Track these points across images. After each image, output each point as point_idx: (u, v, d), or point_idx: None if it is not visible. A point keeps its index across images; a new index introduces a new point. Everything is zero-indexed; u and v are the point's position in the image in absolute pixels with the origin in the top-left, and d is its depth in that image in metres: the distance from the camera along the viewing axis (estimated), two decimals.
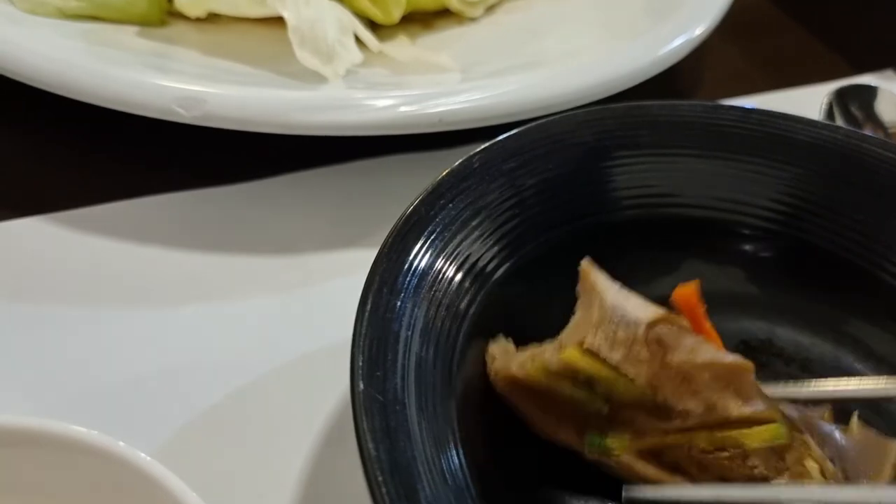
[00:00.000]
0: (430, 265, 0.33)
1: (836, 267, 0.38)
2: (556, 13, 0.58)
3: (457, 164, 0.36)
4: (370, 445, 0.26)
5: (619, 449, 0.30)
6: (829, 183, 0.39)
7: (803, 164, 0.40)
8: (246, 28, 0.50)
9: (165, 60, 0.47)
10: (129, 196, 0.44)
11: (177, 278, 0.40)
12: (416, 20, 0.55)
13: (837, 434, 0.31)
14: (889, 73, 0.60)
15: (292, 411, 0.36)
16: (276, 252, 0.42)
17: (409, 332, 0.30)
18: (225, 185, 0.45)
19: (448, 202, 0.35)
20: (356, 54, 0.48)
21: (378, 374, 0.28)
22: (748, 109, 0.42)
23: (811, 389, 0.34)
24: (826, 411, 0.32)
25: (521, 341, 0.33)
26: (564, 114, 0.40)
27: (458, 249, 0.34)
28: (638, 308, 0.31)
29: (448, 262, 0.33)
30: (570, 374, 0.30)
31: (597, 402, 0.30)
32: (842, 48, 0.62)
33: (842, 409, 0.33)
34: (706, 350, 0.31)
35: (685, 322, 0.32)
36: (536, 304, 0.35)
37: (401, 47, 0.52)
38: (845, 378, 0.34)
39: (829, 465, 0.30)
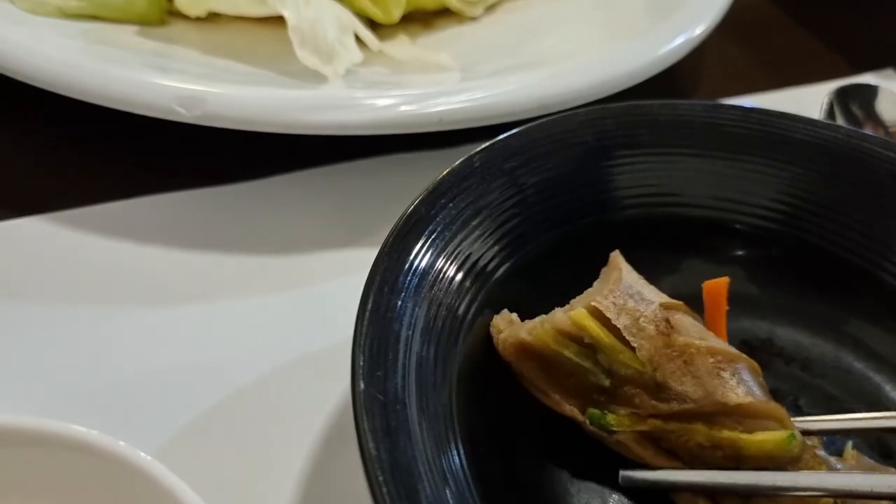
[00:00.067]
0: (431, 264, 0.33)
1: (836, 267, 0.38)
2: (556, 13, 0.58)
3: (457, 163, 0.36)
4: (371, 445, 0.26)
5: (619, 426, 0.31)
6: (829, 182, 0.39)
7: (804, 163, 0.40)
8: (246, 27, 0.50)
9: (166, 60, 0.47)
10: (129, 196, 0.44)
11: (176, 278, 0.40)
12: (416, 19, 0.55)
13: (832, 460, 0.31)
14: (889, 72, 0.60)
15: (293, 411, 0.36)
16: (276, 252, 0.42)
17: (410, 332, 0.30)
18: (225, 185, 0.45)
19: (449, 201, 0.35)
20: (356, 54, 0.48)
21: (379, 373, 0.28)
22: (748, 109, 0.42)
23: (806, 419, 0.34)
24: (818, 440, 0.32)
25: None
26: (565, 113, 0.40)
27: (459, 249, 0.34)
28: (654, 293, 0.33)
29: (449, 262, 0.33)
30: (577, 338, 0.31)
31: (599, 374, 0.31)
32: (842, 48, 0.62)
33: (829, 441, 0.33)
34: (713, 339, 0.31)
35: (698, 318, 0.33)
36: (536, 304, 0.35)
37: (401, 47, 0.52)
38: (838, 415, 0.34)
39: None
